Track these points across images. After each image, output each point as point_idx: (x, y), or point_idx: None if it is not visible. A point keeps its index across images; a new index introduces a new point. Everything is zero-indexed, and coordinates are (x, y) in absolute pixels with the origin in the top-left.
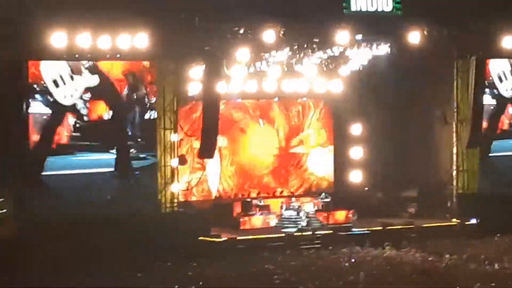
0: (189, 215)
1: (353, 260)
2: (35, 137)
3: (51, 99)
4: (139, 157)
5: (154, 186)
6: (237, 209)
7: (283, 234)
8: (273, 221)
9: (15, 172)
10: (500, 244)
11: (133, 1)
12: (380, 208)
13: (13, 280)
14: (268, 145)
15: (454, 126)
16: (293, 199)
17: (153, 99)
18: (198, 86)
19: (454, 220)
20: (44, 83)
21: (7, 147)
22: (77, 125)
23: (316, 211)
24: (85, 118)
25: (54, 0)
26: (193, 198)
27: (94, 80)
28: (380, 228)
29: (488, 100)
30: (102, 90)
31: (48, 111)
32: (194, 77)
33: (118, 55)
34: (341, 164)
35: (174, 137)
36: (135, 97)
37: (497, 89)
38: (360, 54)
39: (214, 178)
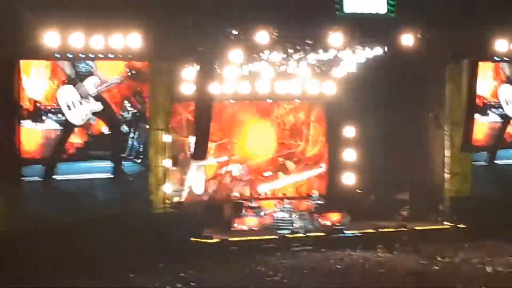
0: (181, 216)
1: (345, 263)
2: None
3: (63, 118)
4: (133, 161)
5: (146, 187)
6: (229, 210)
7: (276, 236)
8: (265, 223)
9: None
10: (493, 247)
11: (126, 1)
12: (373, 211)
13: (4, 280)
14: (260, 146)
15: (446, 129)
16: (286, 200)
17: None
18: (191, 87)
19: (446, 223)
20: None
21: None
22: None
23: (309, 213)
24: (89, 133)
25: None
26: (185, 199)
27: (98, 106)
28: (373, 230)
29: (494, 118)
30: (104, 113)
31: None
32: (187, 78)
33: (111, 55)
34: (334, 166)
35: (166, 138)
36: (130, 116)
37: (503, 109)
38: (353, 56)
39: (201, 179)
